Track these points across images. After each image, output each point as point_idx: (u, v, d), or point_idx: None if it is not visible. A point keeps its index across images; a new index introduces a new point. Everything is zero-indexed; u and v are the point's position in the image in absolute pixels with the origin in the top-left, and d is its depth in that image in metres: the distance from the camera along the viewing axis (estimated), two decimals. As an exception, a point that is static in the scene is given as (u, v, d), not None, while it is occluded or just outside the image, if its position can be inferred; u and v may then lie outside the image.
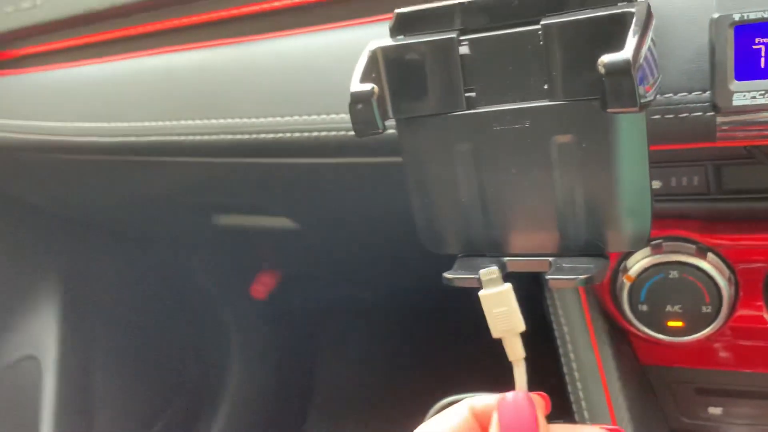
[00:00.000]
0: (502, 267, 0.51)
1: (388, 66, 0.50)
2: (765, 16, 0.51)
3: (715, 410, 0.80)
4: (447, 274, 0.50)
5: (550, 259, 0.50)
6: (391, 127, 0.54)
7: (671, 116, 0.57)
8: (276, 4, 0.78)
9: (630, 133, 0.46)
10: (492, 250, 0.52)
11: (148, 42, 0.87)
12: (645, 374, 0.81)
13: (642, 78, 0.42)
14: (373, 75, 0.50)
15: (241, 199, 0.97)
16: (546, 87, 0.47)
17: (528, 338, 0.48)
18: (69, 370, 1.37)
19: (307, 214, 0.97)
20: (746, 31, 0.52)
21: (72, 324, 1.39)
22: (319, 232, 1.03)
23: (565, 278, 0.47)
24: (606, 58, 0.40)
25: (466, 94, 0.49)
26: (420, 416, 1.18)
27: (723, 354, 0.75)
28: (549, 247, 0.51)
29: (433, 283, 0.58)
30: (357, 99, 0.47)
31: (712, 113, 0.54)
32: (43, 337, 1.38)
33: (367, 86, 0.47)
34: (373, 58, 0.50)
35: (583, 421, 0.76)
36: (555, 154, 0.48)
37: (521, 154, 0.49)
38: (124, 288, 1.48)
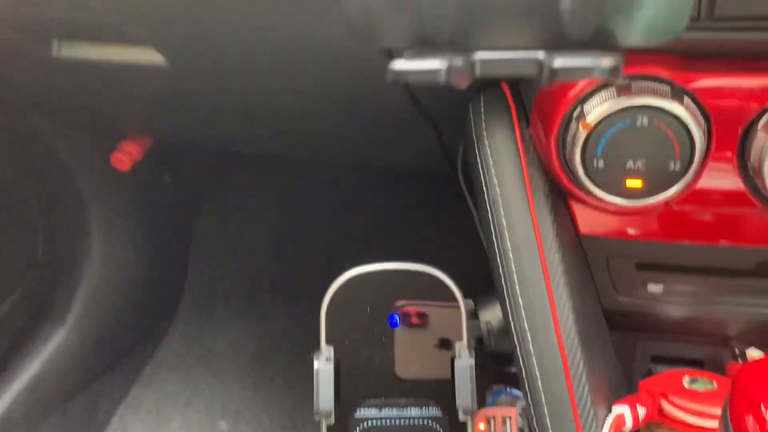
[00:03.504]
0: (470, 67, 0.36)
1: None
2: None
3: (655, 287, 0.71)
4: (396, 66, 0.34)
5: (540, 56, 0.35)
6: None
7: None
8: None
9: None
10: (454, 40, 0.36)
11: None
12: (582, 247, 0.70)
13: None
14: None
15: (90, 14, 0.73)
16: None
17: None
18: None
19: (181, 42, 0.75)
20: None
21: None
22: (198, 70, 0.81)
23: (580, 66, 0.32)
24: None
25: None
26: (305, 302, 1.04)
27: (675, 223, 0.65)
28: (538, 37, 0.35)
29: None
30: None
31: None
32: None
33: None
34: None
35: (514, 297, 0.64)
36: None
37: None
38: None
